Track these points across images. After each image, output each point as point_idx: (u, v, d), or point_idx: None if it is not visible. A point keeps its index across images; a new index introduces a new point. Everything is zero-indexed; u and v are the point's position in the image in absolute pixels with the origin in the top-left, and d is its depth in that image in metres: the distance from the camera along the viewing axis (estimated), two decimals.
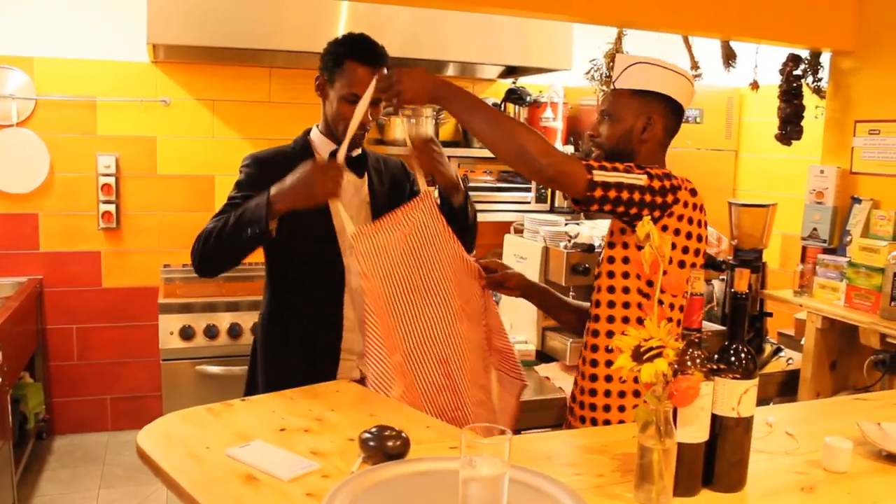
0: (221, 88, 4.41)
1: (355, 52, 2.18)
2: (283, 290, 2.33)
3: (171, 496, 3.67)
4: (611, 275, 1.96)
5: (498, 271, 2.29)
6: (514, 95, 4.62)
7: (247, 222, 2.03)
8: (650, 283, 1.84)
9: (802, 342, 3.04)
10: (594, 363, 1.98)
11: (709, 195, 4.24)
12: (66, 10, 4.13)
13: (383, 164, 2.44)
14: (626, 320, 1.92)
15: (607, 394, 1.95)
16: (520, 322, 3.16)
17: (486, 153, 4.58)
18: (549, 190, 4.75)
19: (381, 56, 2.22)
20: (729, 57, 3.04)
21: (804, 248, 3.20)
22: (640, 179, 1.83)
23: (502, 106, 4.68)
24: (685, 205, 1.90)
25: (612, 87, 2.07)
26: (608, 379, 1.95)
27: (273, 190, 2.03)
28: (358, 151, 2.32)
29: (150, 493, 3.79)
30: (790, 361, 3.12)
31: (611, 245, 1.98)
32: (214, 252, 2.11)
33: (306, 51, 3.88)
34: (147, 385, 4.44)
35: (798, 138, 3.32)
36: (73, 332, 4.38)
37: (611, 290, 1.96)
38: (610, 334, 1.92)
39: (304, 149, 2.29)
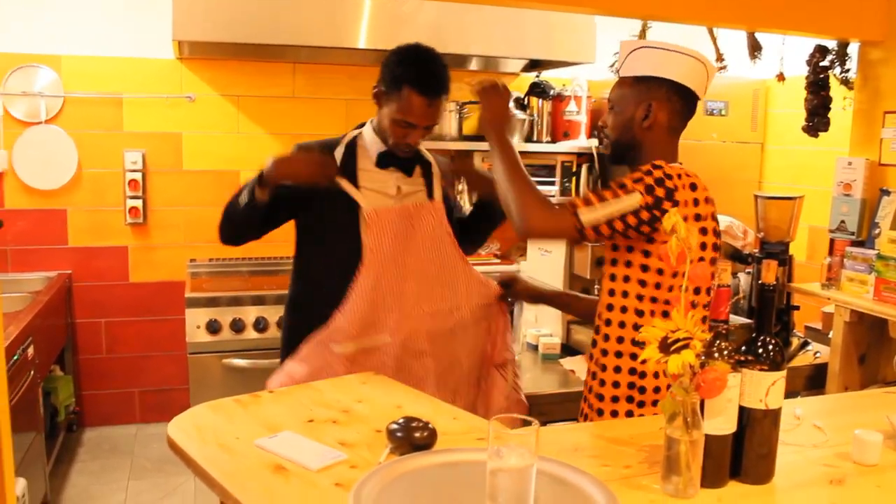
0: (246, 84, 4.44)
1: (415, 80, 2.15)
2: (308, 277, 2.38)
3: (198, 487, 3.72)
4: (615, 263, 1.94)
5: (512, 285, 2.41)
6: (538, 89, 4.62)
7: (244, 189, 2.22)
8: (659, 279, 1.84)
9: (830, 336, 3.01)
10: (604, 352, 1.97)
11: (734, 188, 4.26)
12: (92, 9, 4.18)
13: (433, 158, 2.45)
14: (639, 313, 1.89)
15: (615, 385, 1.94)
16: (544, 315, 3.16)
17: None
18: (574, 183, 4.74)
19: (442, 86, 2.20)
20: (755, 48, 3.02)
21: (832, 241, 3.17)
22: (632, 200, 1.77)
23: (526, 100, 4.68)
24: (685, 204, 1.82)
25: (616, 74, 2.02)
26: (617, 370, 1.94)
27: (268, 160, 2.16)
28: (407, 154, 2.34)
29: (178, 484, 3.83)
30: (818, 355, 3.10)
31: (614, 247, 1.94)
32: (227, 221, 2.32)
33: (329, 46, 3.90)
34: (174, 378, 4.49)
35: (825, 130, 3.29)
36: (102, 325, 4.43)
37: (626, 279, 1.92)
38: (622, 325, 1.92)
39: (351, 142, 2.32)
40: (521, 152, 4.59)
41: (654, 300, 1.84)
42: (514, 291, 2.43)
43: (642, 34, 2.97)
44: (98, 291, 4.39)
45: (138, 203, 4.34)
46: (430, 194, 2.36)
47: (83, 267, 4.35)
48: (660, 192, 1.79)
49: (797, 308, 3.21)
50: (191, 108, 4.37)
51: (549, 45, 4.28)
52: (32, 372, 3.30)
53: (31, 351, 3.27)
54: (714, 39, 2.97)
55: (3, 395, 2.01)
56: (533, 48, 4.30)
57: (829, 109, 3.26)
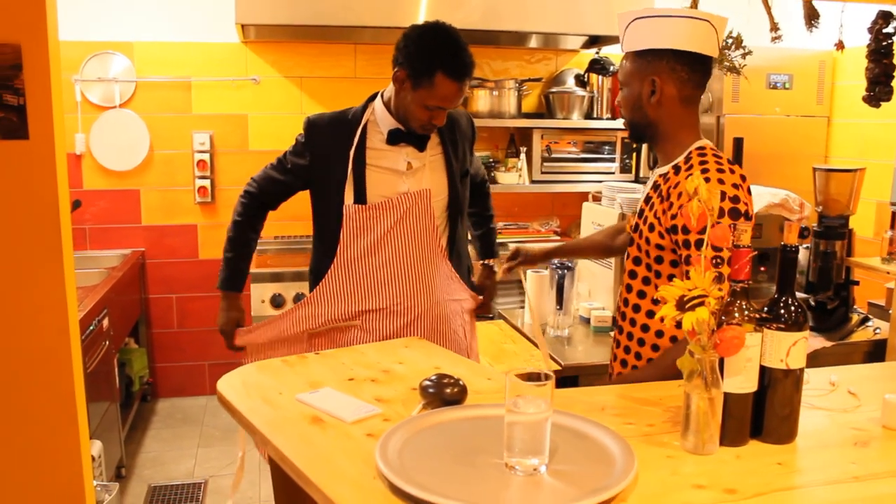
0: (308, 65, 4.55)
1: (448, 66, 2.15)
2: (323, 251, 2.46)
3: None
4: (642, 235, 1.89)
5: (518, 257, 2.52)
6: (598, 66, 4.61)
7: (221, 271, 2.61)
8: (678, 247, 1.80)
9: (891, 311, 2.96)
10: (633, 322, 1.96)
11: (798, 163, 4.20)
12: None
13: (447, 117, 2.38)
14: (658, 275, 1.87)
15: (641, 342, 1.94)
16: (597, 288, 3.19)
17: (571, 124, 4.61)
18: (634, 160, 4.72)
19: (472, 67, 2.21)
20: (811, 17, 2.96)
21: (893, 214, 3.11)
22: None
23: (586, 76, 4.67)
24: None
25: (621, 51, 1.91)
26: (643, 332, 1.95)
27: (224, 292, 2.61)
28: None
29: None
30: (877, 331, 3.05)
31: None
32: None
33: (389, 26, 3.97)
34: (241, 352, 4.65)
35: (887, 100, 3.21)
36: (173, 301, 4.63)
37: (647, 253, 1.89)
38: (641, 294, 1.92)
39: (360, 115, 2.34)
40: (580, 129, 4.61)
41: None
42: (523, 260, 2.52)
43: (694, 4, 2.95)
44: (169, 268, 4.59)
45: (206, 183, 4.51)
46: (447, 160, 2.37)
47: (155, 244, 4.56)
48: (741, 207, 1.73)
49: (856, 283, 3.16)
50: (256, 89, 4.51)
51: (608, 20, 4.25)
52: (107, 343, 3.48)
53: (105, 322, 3.45)
54: (768, 8, 2.92)
55: (78, 359, 2.15)
56: (592, 24, 4.29)
57: (892, 78, 3.18)
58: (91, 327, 3.19)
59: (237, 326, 2.52)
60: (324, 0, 3.91)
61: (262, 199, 2.48)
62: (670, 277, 1.80)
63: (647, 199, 1.90)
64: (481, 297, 2.59)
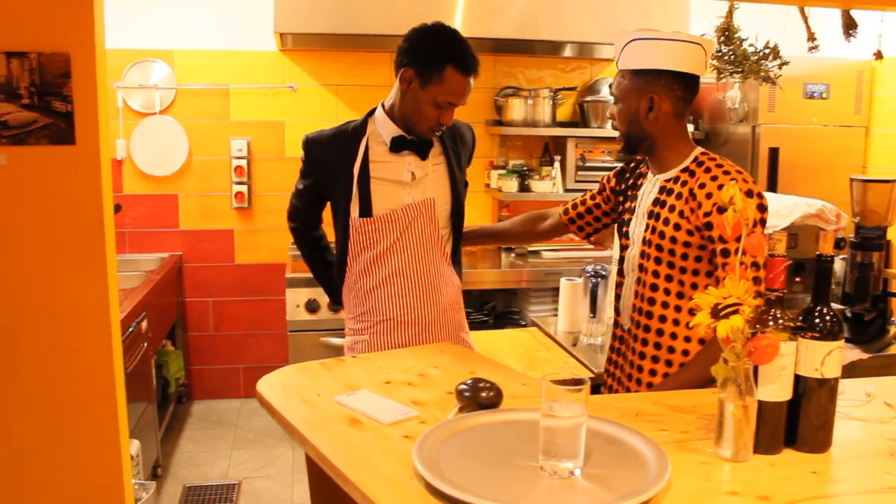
0: (345, 74, 4.61)
1: (458, 61, 2.17)
2: (338, 265, 2.48)
3: (296, 458, 3.92)
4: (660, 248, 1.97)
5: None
6: None
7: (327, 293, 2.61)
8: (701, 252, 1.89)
9: None
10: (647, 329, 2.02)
11: (835, 173, 4.17)
12: (201, 6, 4.43)
13: (450, 127, 2.41)
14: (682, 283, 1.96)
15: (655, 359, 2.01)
16: None
17: (605, 133, 4.61)
18: None
19: (478, 64, 2.22)
20: (849, 27, 2.95)
21: None
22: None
23: None
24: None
25: (616, 67, 2.02)
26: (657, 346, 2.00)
27: None
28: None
29: (277, 455, 4.04)
30: None
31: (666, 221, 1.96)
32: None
33: None
34: (275, 355, 4.72)
35: None
36: (209, 304, 4.70)
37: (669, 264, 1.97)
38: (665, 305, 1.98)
39: (361, 129, 2.32)
40: (615, 138, 4.63)
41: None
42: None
43: (729, 16, 2.96)
44: (206, 272, 4.66)
45: (243, 188, 4.58)
46: (450, 170, 2.37)
47: (193, 249, 4.63)
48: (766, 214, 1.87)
49: (894, 295, 3.13)
50: (293, 97, 4.57)
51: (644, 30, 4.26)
52: (146, 344, 3.55)
53: (144, 324, 3.52)
54: (805, 18, 2.92)
55: (119, 359, 2.21)
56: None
57: None
58: (130, 329, 3.26)
59: None
60: (361, 9, 3.97)
61: (305, 226, 2.54)
62: (695, 273, 1.92)
63: (659, 202, 1.99)
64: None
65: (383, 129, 2.30)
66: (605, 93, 4.69)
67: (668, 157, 2.00)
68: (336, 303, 2.55)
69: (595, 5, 4.23)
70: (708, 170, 1.91)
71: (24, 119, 2.02)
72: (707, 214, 1.86)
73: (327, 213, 2.49)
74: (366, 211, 2.28)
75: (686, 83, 1.95)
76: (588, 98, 4.71)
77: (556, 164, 4.61)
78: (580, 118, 4.79)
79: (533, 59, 4.84)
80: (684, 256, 1.93)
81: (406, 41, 2.23)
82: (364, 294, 2.35)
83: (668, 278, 1.96)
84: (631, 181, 2.17)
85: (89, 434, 2.14)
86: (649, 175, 2.08)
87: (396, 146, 2.28)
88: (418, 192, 2.31)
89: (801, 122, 4.40)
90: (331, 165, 2.31)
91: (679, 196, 1.94)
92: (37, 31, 1.97)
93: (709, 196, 1.86)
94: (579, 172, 4.63)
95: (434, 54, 2.17)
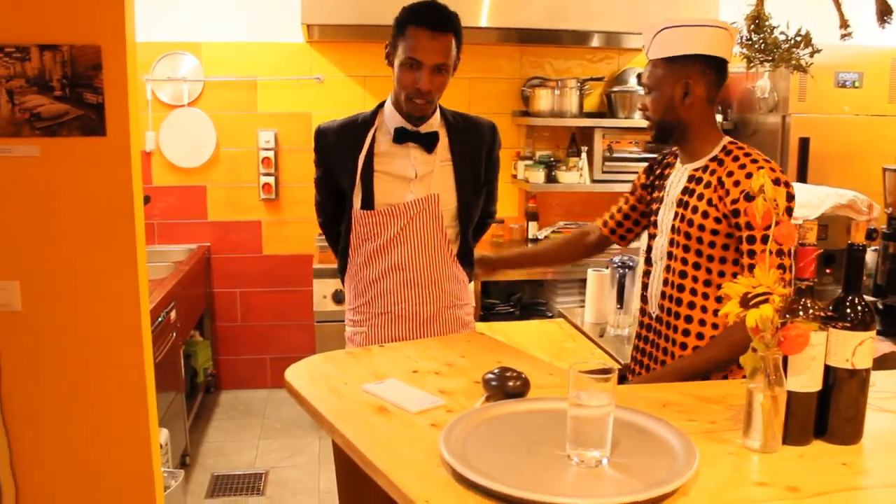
0: (372, 65, 4.60)
1: (416, 16, 2.16)
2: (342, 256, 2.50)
3: (323, 447, 3.95)
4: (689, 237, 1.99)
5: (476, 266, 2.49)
6: None
7: None
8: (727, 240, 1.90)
9: None
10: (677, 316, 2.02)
11: (868, 163, 4.11)
12: None
13: (464, 124, 2.39)
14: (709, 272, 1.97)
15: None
16: None
17: (632, 123, 4.59)
18: None
19: (446, 20, 2.17)
20: (884, 13, 2.89)
21: None
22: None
23: None
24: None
25: (646, 58, 2.04)
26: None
27: None
28: (430, 127, 2.30)
29: (304, 445, 4.07)
30: None
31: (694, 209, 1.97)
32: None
33: None
34: (302, 346, 4.74)
35: None
36: (237, 295, 4.74)
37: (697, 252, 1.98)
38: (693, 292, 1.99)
39: (370, 120, 2.32)
40: (642, 129, 4.58)
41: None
42: (479, 272, 2.53)
43: (760, 3, 2.91)
44: (234, 263, 4.70)
45: (271, 180, 4.61)
46: (457, 169, 2.32)
47: (221, 240, 4.67)
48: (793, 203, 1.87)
49: None
50: (320, 88, 4.59)
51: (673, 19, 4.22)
52: (174, 334, 3.58)
53: (173, 315, 3.56)
54: (838, 5, 2.87)
55: (149, 349, 2.24)
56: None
57: None
58: (160, 319, 3.29)
59: None
60: (388, 0, 3.96)
61: (330, 219, 2.51)
62: (723, 260, 1.93)
63: (688, 191, 2.00)
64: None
65: (389, 119, 2.29)
66: (632, 83, 4.65)
67: (698, 146, 2.02)
68: None
69: None
70: (736, 158, 1.93)
71: (57, 111, 2.05)
72: (734, 202, 1.88)
73: None
74: (367, 203, 2.28)
75: (717, 67, 1.98)
76: (615, 88, 4.68)
77: (583, 155, 4.59)
78: (607, 108, 4.76)
79: (560, 49, 4.82)
80: (712, 244, 1.94)
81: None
82: (364, 286, 2.34)
83: (696, 266, 1.97)
84: (658, 171, 2.20)
85: (120, 423, 2.17)
86: (677, 164, 2.10)
87: (400, 137, 2.26)
88: (422, 189, 2.28)
89: (832, 111, 4.34)
90: (337, 155, 2.31)
91: (707, 185, 1.96)
92: (69, 24, 1.99)
93: (737, 184, 1.88)
94: (606, 163, 4.61)
95: (397, 20, 2.20)
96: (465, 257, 2.41)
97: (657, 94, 2.01)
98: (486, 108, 4.62)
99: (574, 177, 4.56)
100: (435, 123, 2.30)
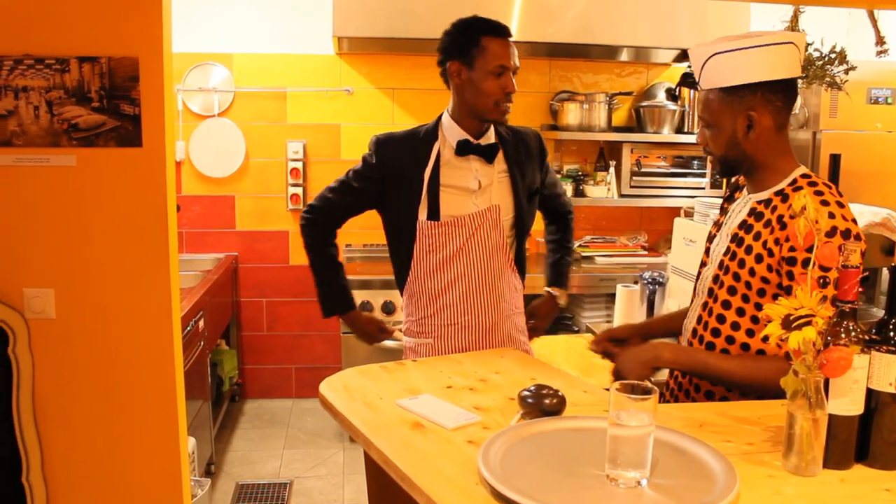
0: (401, 77, 4.63)
1: (490, 28, 2.26)
2: (399, 267, 2.51)
3: (347, 459, 3.95)
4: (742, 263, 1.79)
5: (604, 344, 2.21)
6: (690, 80, 4.56)
7: (321, 299, 2.63)
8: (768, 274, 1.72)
9: None
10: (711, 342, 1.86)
11: None
12: (260, 10, 4.50)
13: (513, 135, 2.46)
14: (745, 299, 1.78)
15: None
16: (687, 304, 3.14)
17: (661, 138, 4.57)
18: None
19: (508, 29, 2.30)
20: None
21: None
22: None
23: (677, 90, 4.63)
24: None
25: (698, 89, 1.80)
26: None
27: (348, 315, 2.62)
28: (489, 139, 2.37)
29: (328, 455, 4.07)
30: None
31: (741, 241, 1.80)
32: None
33: None
34: (328, 357, 4.76)
35: None
36: (264, 304, 4.76)
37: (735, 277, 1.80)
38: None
39: (433, 133, 2.37)
40: (671, 143, 4.54)
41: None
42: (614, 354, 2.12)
43: (794, 20, 2.90)
44: (261, 272, 4.73)
45: (299, 190, 4.63)
46: (513, 178, 2.38)
47: (248, 249, 4.70)
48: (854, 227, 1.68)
49: None
50: (349, 100, 4.61)
51: (701, 34, 4.21)
52: (202, 343, 3.60)
53: (201, 324, 3.58)
54: (874, 22, 2.85)
55: (179, 357, 2.25)
56: (685, 38, 4.25)
57: None
58: (188, 328, 3.31)
59: (381, 332, 2.61)
60: (417, 13, 3.99)
61: (324, 224, 2.52)
62: (758, 307, 1.73)
63: (745, 226, 1.81)
64: (532, 322, 2.59)
65: (450, 133, 2.35)
66: (661, 97, 4.64)
67: (767, 176, 1.79)
68: (327, 312, 2.61)
69: (652, 9, 4.20)
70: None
71: (94, 122, 2.07)
72: (793, 249, 1.65)
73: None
74: (434, 215, 2.32)
75: (785, 90, 1.73)
76: (644, 103, 4.66)
77: (611, 170, 4.58)
78: (636, 123, 4.75)
79: (589, 63, 4.81)
80: (761, 292, 1.73)
81: (438, 49, 2.36)
82: (430, 298, 2.37)
83: (740, 312, 1.78)
84: (729, 193, 2.00)
85: (150, 430, 2.18)
86: (744, 191, 1.89)
87: (462, 150, 2.32)
88: (484, 200, 2.35)
89: (864, 127, 4.29)
90: (401, 167, 2.34)
91: (767, 223, 1.73)
92: (107, 37, 2.02)
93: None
94: (634, 178, 4.59)
95: (464, 36, 2.27)
96: (520, 265, 2.45)
97: (716, 130, 1.77)
98: (515, 121, 4.53)
99: (602, 191, 4.55)
100: (491, 135, 2.37)
